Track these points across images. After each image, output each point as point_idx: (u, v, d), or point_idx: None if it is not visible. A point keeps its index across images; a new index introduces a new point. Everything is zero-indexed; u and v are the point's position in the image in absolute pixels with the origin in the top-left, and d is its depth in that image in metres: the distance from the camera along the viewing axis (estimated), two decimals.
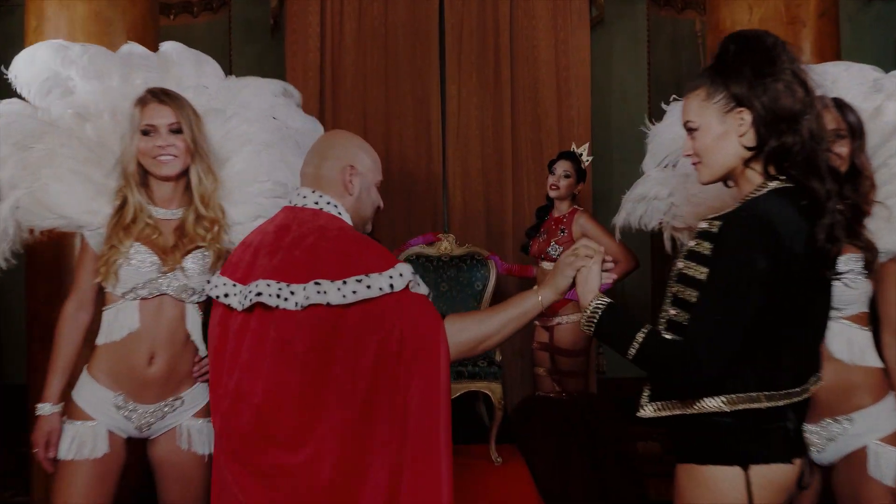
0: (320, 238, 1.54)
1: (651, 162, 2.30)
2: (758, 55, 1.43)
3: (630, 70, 4.86)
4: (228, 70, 4.92)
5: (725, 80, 1.44)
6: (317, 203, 1.62)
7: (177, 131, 1.92)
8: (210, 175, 1.98)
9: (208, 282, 1.69)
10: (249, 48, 4.84)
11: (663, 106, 2.41)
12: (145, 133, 1.92)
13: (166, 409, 1.96)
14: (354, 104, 4.55)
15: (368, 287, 1.47)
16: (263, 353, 1.49)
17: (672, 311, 1.51)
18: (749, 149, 1.45)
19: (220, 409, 1.56)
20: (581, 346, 3.43)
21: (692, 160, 1.54)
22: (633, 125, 4.95)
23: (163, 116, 1.91)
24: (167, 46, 2.24)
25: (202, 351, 1.98)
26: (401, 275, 1.51)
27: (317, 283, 1.46)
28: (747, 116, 1.43)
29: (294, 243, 1.54)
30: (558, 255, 3.33)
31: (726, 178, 1.52)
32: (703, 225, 1.49)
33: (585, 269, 1.58)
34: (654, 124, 2.39)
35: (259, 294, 1.47)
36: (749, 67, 1.42)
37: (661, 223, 2.30)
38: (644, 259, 4.78)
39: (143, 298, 1.90)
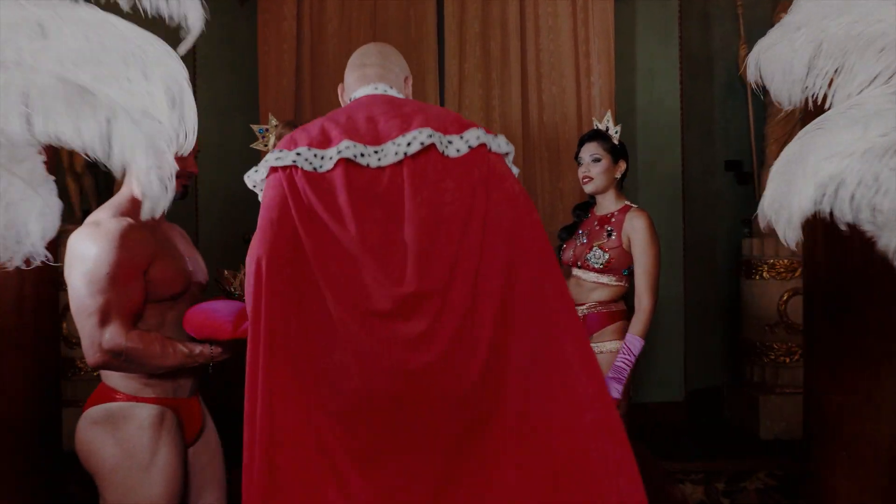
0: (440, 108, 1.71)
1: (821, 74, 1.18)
2: None
3: (659, 45, 4.18)
4: (190, 45, 4.35)
5: None
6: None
7: None
8: None
9: (298, 153, 1.58)
10: (216, 18, 4.08)
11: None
12: None
13: None
14: (337, 81, 3.85)
15: (508, 145, 1.68)
16: (436, 195, 1.56)
17: None
18: None
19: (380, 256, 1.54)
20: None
21: None
22: (661, 108, 4.32)
23: None
24: None
25: None
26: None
27: (477, 129, 1.62)
28: None
29: (423, 108, 1.67)
30: (602, 266, 2.60)
31: None
32: None
33: None
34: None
35: (430, 136, 1.57)
36: None
37: None
38: (676, 267, 4.14)
39: None
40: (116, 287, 1.74)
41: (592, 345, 2.60)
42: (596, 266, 2.62)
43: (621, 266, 2.62)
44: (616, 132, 2.75)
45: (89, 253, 1.75)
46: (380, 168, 1.58)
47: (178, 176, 1.66)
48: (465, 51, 3.86)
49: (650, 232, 2.58)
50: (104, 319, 1.73)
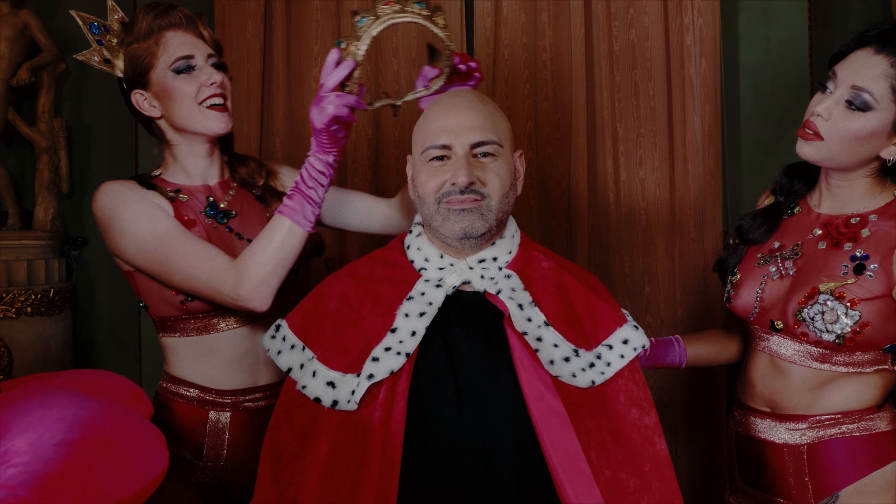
0: None
1: None
2: None
3: None
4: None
5: None
6: None
7: None
8: None
9: None
10: None
11: None
12: None
13: None
14: (322, 27, 2.76)
15: None
16: None
17: None
18: None
19: None
20: None
21: None
22: (782, 65, 2.99)
23: None
24: None
25: None
26: None
27: None
28: None
29: None
30: (842, 339, 1.28)
31: None
32: None
33: None
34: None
35: None
36: None
37: None
38: None
39: None
40: None
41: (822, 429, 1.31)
42: (829, 339, 1.29)
43: (886, 336, 1.29)
44: None
45: None
46: None
47: None
48: None
49: None
50: None
